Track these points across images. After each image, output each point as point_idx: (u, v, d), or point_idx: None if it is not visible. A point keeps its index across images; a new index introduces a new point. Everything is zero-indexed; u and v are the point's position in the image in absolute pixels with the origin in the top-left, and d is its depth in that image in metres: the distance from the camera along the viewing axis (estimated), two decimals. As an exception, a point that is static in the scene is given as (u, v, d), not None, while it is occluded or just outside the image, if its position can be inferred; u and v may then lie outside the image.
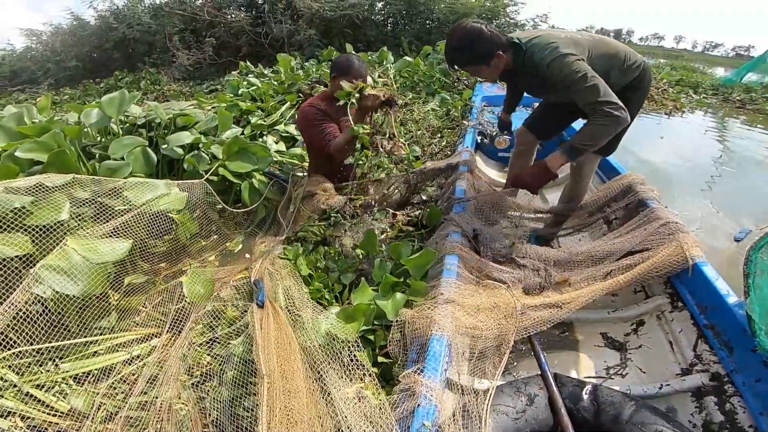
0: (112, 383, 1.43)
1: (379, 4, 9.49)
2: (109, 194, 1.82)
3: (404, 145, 2.19)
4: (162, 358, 1.50)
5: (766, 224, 2.94)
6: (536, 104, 2.38)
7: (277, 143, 3.62)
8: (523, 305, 1.41)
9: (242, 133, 3.28)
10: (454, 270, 1.54)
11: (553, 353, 1.62)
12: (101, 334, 1.57)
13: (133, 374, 1.48)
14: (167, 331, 1.62)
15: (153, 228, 1.88)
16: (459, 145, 3.00)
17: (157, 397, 1.33)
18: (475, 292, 1.50)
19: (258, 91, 4.69)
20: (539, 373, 1.30)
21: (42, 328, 1.41)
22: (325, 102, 2.30)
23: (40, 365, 1.40)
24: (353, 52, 6.30)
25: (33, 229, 1.51)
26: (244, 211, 2.47)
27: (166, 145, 2.44)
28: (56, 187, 1.65)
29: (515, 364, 1.56)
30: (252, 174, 2.58)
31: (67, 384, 1.38)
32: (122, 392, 1.42)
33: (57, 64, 10.22)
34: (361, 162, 2.03)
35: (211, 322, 1.62)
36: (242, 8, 9.43)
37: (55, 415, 1.30)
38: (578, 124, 1.90)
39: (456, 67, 1.76)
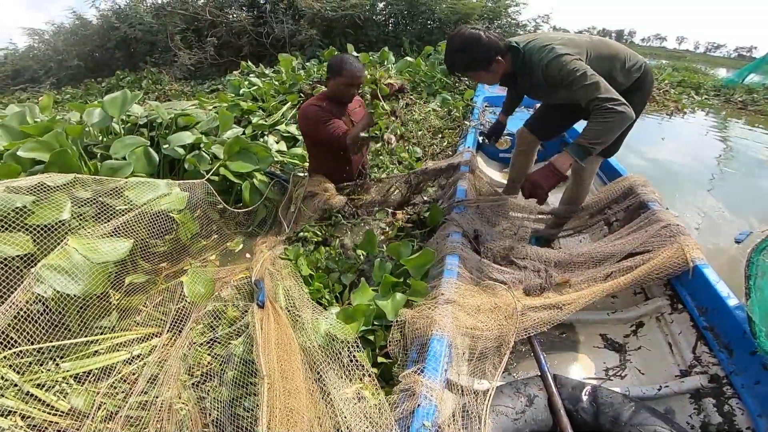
0: (113, 383, 1.44)
1: (381, 5, 9.49)
2: (111, 194, 1.83)
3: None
4: (162, 358, 1.51)
5: (767, 226, 2.93)
6: (538, 105, 2.38)
7: (278, 143, 3.62)
8: (523, 306, 1.41)
9: (243, 133, 3.28)
10: (455, 270, 1.54)
11: (553, 354, 1.62)
12: (102, 333, 1.58)
13: (134, 374, 1.49)
14: (168, 331, 1.62)
15: (154, 228, 1.88)
16: (460, 146, 3.00)
17: (157, 397, 1.33)
18: (476, 293, 1.50)
19: (259, 91, 4.70)
20: (539, 374, 1.31)
21: (43, 328, 1.42)
22: (325, 102, 2.31)
23: (41, 364, 1.40)
24: (354, 53, 6.32)
25: (34, 229, 1.51)
26: (244, 211, 2.48)
27: (167, 145, 2.45)
28: (58, 186, 1.66)
29: (515, 364, 1.56)
30: (253, 174, 2.58)
31: (67, 383, 1.38)
32: (122, 392, 1.42)
33: (59, 63, 10.26)
34: (376, 133, 2.27)
35: (211, 322, 1.62)
36: (244, 8, 9.45)
37: (55, 415, 1.30)
38: (580, 125, 1.90)
39: (456, 73, 1.77)
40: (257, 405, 1.12)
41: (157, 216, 1.89)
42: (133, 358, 1.54)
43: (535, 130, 2.16)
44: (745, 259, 1.29)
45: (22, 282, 1.38)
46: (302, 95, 4.55)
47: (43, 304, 1.43)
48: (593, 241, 2.06)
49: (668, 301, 1.64)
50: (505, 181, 2.52)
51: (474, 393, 1.13)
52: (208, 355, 1.49)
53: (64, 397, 1.35)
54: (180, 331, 1.62)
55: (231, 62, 8.74)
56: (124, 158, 2.23)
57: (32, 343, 1.38)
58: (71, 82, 9.63)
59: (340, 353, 1.30)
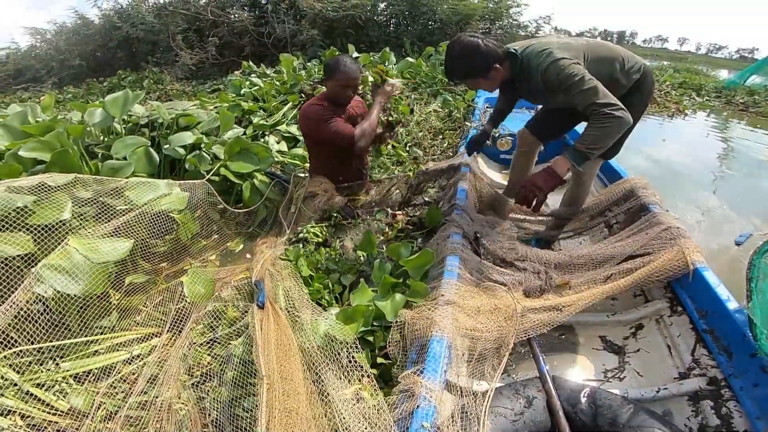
0: (113, 382, 1.44)
1: (382, 5, 9.51)
2: (111, 194, 1.83)
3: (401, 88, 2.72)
4: (162, 358, 1.51)
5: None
6: (539, 106, 2.38)
7: (278, 143, 3.63)
8: (523, 308, 1.41)
9: (244, 134, 3.29)
10: (455, 271, 1.54)
11: (552, 356, 1.62)
12: (102, 333, 1.58)
13: (134, 374, 1.49)
14: (168, 331, 1.62)
15: (154, 228, 1.88)
16: (461, 147, 3.01)
17: (157, 397, 1.34)
18: (476, 294, 1.50)
19: (260, 91, 4.70)
20: (538, 375, 1.31)
21: (43, 327, 1.42)
22: (325, 102, 2.31)
23: (41, 364, 1.40)
24: (355, 53, 6.32)
25: (35, 229, 1.52)
26: (245, 212, 2.48)
27: (168, 145, 2.45)
28: (58, 186, 1.66)
29: (514, 366, 1.56)
30: (253, 174, 2.58)
31: (67, 383, 1.39)
32: (122, 392, 1.42)
33: (61, 62, 10.29)
34: (391, 118, 2.35)
35: (211, 322, 1.62)
36: (245, 8, 9.47)
37: (55, 414, 1.31)
38: (581, 127, 1.90)
39: (455, 80, 1.80)
40: (256, 405, 1.12)
41: (158, 216, 1.89)
42: (133, 358, 1.54)
43: (536, 131, 2.16)
44: (747, 262, 1.28)
45: (22, 282, 1.38)
46: (303, 96, 4.55)
47: (44, 303, 1.43)
48: (593, 243, 2.06)
49: (668, 304, 1.64)
50: (506, 182, 2.52)
51: (473, 394, 1.13)
52: (208, 355, 1.49)
53: (64, 396, 1.35)
54: (180, 332, 1.62)
55: (232, 62, 8.76)
56: (125, 158, 2.23)
57: (32, 343, 1.38)
58: (73, 82, 9.66)
59: (339, 354, 1.30)
